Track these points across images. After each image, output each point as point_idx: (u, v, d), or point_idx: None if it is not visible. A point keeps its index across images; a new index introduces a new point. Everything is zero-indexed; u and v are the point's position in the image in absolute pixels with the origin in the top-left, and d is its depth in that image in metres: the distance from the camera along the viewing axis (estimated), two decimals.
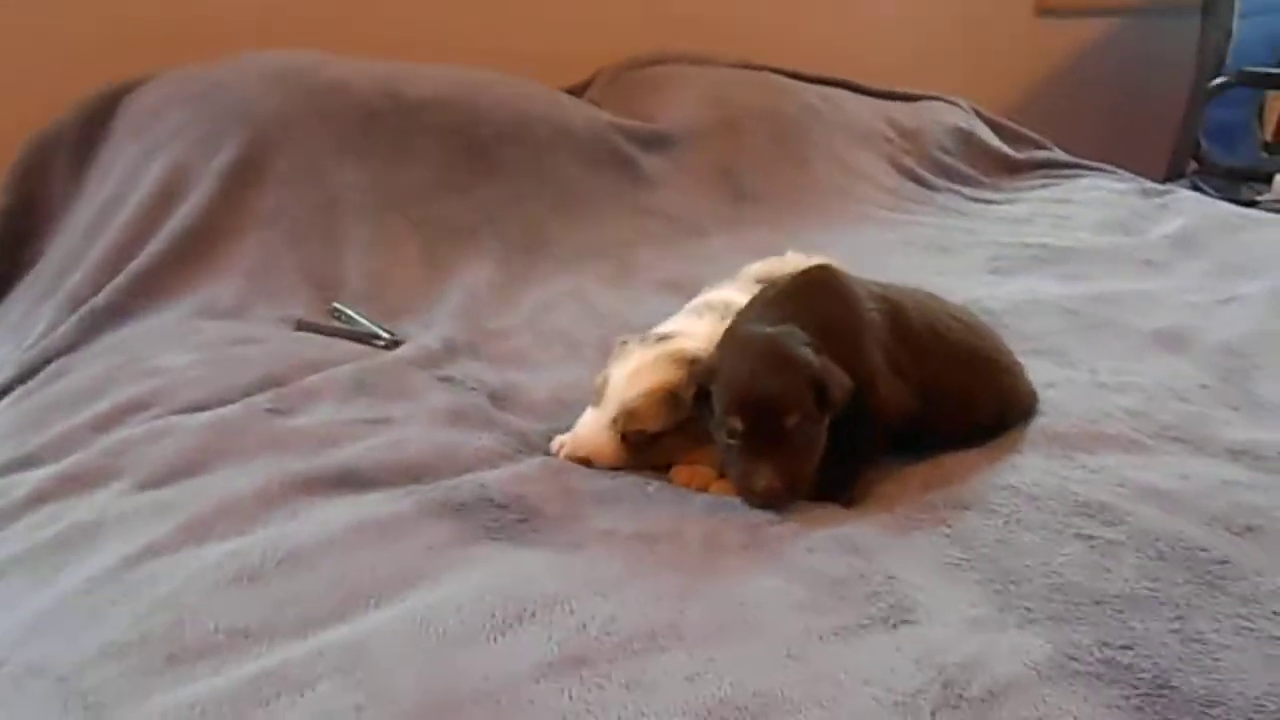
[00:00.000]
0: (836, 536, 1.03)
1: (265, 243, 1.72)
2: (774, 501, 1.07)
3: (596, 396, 1.21)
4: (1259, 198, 3.01)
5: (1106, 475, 1.14)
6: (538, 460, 1.20)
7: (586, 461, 1.18)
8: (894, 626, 0.90)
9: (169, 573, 0.95)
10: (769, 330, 1.10)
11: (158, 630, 0.87)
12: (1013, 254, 1.99)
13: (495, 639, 0.86)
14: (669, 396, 1.15)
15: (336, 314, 1.63)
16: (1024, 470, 1.15)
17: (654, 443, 1.18)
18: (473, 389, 1.37)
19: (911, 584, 0.95)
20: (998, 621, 0.91)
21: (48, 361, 1.48)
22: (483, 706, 0.79)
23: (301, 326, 1.57)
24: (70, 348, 1.51)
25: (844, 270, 1.23)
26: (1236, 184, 3.14)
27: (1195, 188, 2.91)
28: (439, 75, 2.08)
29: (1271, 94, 3.27)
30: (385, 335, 1.56)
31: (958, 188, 2.52)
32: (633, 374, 1.18)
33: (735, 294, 1.32)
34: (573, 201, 2.03)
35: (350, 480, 1.11)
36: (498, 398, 1.38)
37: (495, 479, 1.12)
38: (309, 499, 1.07)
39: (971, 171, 2.60)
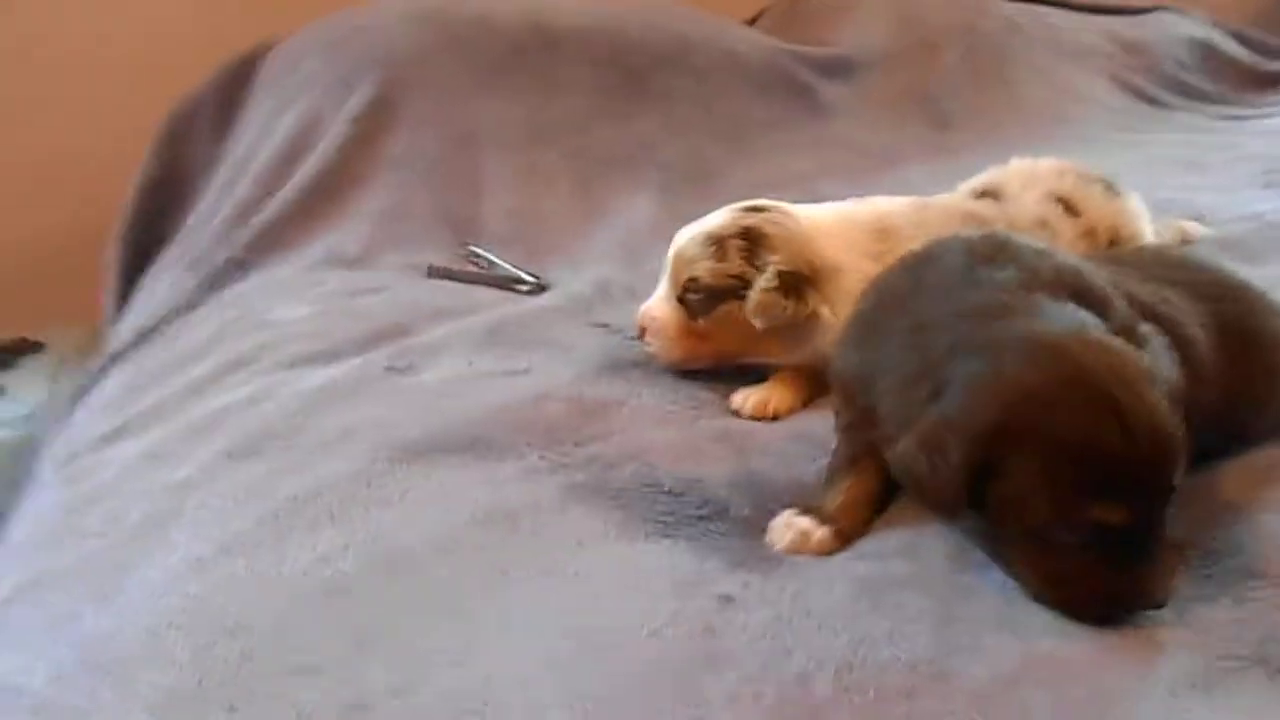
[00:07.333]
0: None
1: (396, 185, 1.51)
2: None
3: None
4: None
5: None
6: (715, 424, 0.95)
7: (643, 334, 1.05)
8: None
9: (242, 583, 0.74)
10: (1109, 340, 0.69)
11: (217, 671, 0.66)
12: None
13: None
14: (711, 239, 1.01)
15: (474, 258, 1.42)
16: None
17: (711, 307, 1.01)
18: (632, 338, 1.12)
19: None
20: None
21: (167, 323, 1.33)
22: None
23: (434, 273, 1.36)
24: (189, 306, 1.34)
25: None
26: None
27: None
28: (585, 4, 1.85)
29: None
30: (529, 279, 1.33)
31: (1200, 105, 2.16)
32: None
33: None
34: (741, 131, 1.77)
35: (477, 447, 0.88)
36: None
37: (662, 454, 0.88)
38: (424, 473, 0.84)
39: (1215, 88, 2.25)
